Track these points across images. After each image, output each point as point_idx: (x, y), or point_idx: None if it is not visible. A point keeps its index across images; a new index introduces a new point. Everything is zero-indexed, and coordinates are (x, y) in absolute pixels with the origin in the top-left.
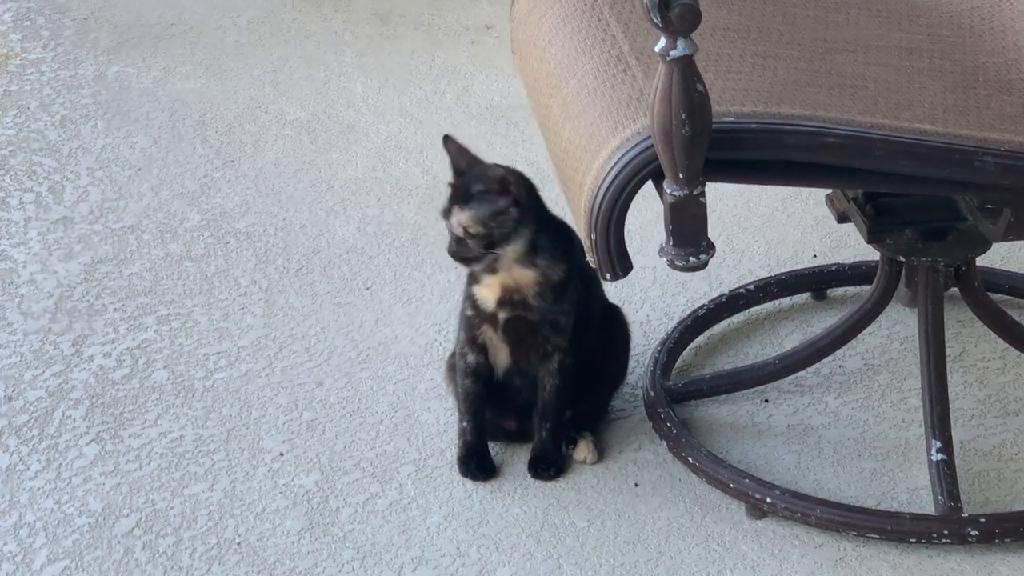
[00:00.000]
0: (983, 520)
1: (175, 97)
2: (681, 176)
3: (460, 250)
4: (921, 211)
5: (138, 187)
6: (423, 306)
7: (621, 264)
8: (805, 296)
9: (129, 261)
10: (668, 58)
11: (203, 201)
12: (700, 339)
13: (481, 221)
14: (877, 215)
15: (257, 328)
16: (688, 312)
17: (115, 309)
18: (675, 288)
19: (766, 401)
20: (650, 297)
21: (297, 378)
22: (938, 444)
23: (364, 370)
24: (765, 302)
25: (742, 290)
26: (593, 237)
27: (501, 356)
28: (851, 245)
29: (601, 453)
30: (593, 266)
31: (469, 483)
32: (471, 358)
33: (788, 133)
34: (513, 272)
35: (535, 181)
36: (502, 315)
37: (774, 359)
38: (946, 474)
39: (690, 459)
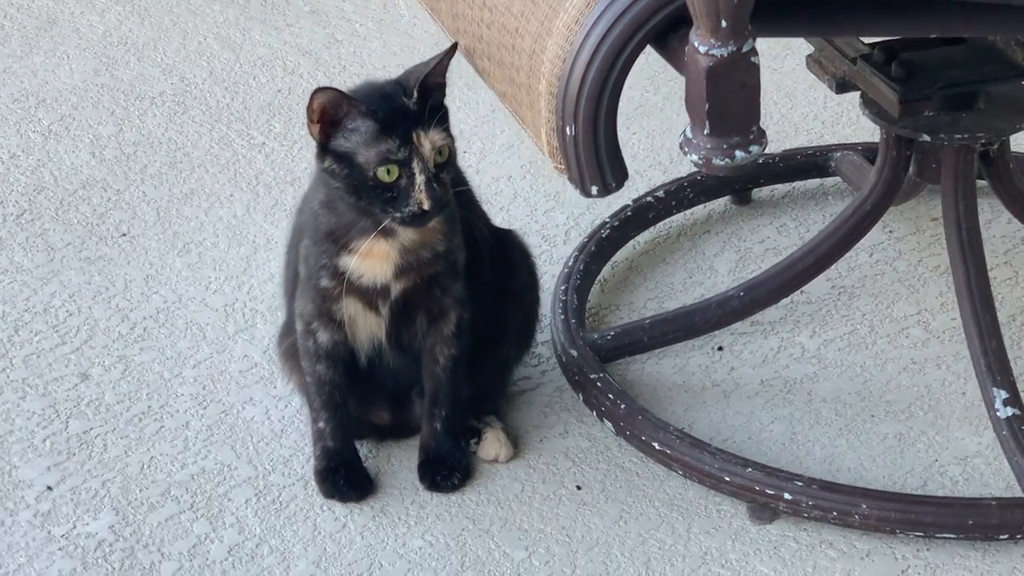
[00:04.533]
0: None
1: None
2: (725, 24)
3: (441, 191)
4: (956, 68)
5: None
6: (207, 253)
7: (614, 169)
8: (723, 202)
9: None
10: None
11: None
12: (604, 269)
13: (451, 137)
14: (909, 77)
15: None
16: (587, 235)
17: None
18: (546, 201)
19: (720, 349)
20: (516, 215)
21: (50, 371)
22: (1003, 394)
23: (144, 351)
24: (678, 212)
25: (650, 199)
26: (571, 132)
27: (368, 331)
28: None
29: (515, 444)
30: (566, 174)
31: (338, 506)
32: (323, 337)
33: None
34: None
35: (321, 73)
36: (399, 286)
37: (737, 291)
38: None
39: (655, 444)
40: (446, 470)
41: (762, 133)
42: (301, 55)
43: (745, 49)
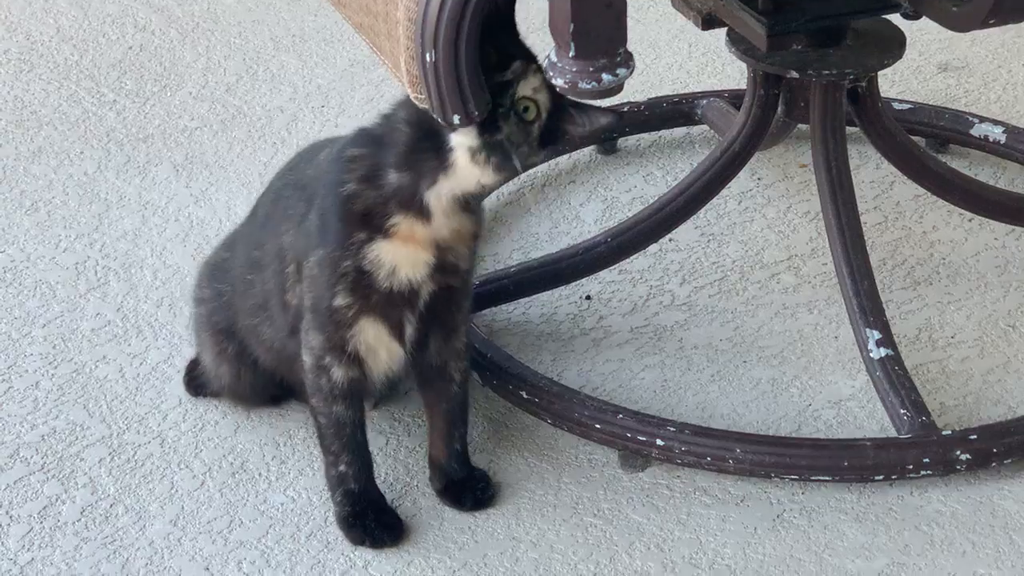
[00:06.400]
0: (973, 437)
1: None
2: None
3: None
4: (823, 0)
5: None
6: (56, 211)
7: (476, 98)
8: (588, 151)
9: None
10: None
11: None
12: None
13: None
14: (776, 9)
15: None
16: None
17: None
18: None
19: (588, 298)
20: None
21: None
22: (876, 334)
23: None
24: (543, 161)
25: None
26: (431, 58)
27: (385, 364)
28: None
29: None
30: (426, 103)
31: (197, 466)
32: (340, 373)
33: None
34: (451, 216)
35: (174, 29)
36: (427, 289)
37: (605, 237)
38: (899, 375)
39: (523, 393)
40: (481, 484)
41: (629, 56)
42: (153, 12)
43: None
